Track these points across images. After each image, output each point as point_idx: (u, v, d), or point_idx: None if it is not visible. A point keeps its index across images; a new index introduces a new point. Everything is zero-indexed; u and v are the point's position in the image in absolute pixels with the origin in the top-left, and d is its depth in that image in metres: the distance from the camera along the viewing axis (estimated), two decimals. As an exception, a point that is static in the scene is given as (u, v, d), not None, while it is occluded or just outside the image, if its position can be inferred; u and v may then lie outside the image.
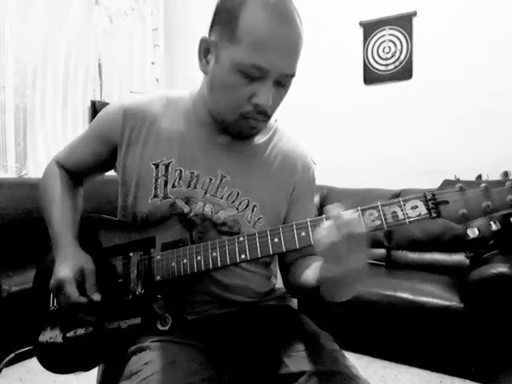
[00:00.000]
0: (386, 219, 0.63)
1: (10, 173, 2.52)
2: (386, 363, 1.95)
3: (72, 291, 0.75)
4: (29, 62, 2.65)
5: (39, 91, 2.70)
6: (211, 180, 0.80)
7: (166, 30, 3.48)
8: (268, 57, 0.67)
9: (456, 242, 2.24)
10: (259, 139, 0.84)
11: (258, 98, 0.70)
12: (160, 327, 0.73)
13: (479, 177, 0.62)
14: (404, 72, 2.71)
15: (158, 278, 0.75)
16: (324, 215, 0.66)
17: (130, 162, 0.81)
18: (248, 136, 0.79)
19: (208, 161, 0.80)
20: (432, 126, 2.63)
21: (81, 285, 0.77)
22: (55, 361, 0.82)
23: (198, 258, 0.72)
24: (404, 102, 2.72)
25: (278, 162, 0.85)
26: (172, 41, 3.47)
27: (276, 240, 0.68)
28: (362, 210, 0.64)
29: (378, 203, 0.64)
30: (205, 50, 0.74)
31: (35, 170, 2.66)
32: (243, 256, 0.69)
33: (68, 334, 0.80)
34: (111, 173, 0.93)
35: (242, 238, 0.70)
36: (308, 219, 0.67)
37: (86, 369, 0.81)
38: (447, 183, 0.63)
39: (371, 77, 2.81)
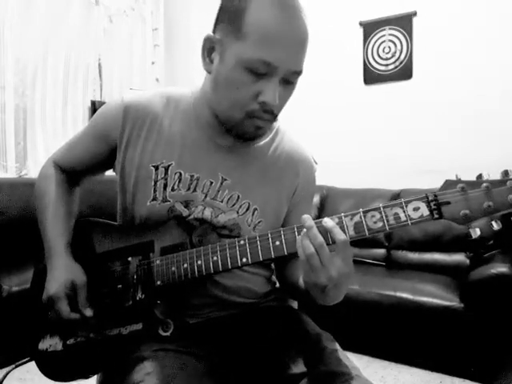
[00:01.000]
0: (388, 221, 0.63)
1: (10, 173, 2.52)
2: (385, 363, 1.95)
3: (63, 308, 0.74)
4: (29, 61, 2.65)
5: (39, 91, 2.69)
6: (212, 183, 0.78)
7: (166, 30, 3.48)
8: (276, 52, 0.65)
9: (456, 242, 2.23)
10: (261, 140, 0.83)
11: (264, 95, 0.67)
12: (162, 333, 0.72)
13: (480, 176, 0.62)
14: (404, 72, 2.71)
15: (159, 282, 0.74)
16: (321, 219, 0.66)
17: (129, 163, 0.80)
18: (253, 137, 0.76)
19: (208, 163, 0.79)
20: (432, 126, 2.63)
21: (73, 299, 0.76)
22: (55, 368, 0.81)
23: (199, 262, 0.71)
24: (404, 102, 2.72)
25: (280, 164, 0.84)
26: (172, 41, 3.47)
27: (277, 243, 0.67)
28: (363, 212, 0.64)
29: (380, 205, 0.64)
30: (209, 48, 0.72)
31: (35, 170, 2.65)
32: (244, 260, 0.69)
33: (68, 342, 0.78)
34: (111, 172, 0.92)
35: (242, 242, 0.69)
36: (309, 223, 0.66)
37: (87, 376, 0.80)
38: (449, 183, 0.63)
39: (371, 77, 2.81)
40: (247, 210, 0.80)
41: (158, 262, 0.75)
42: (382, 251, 2.47)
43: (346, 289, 0.67)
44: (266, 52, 0.65)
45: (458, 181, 0.62)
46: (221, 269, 0.70)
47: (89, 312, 0.75)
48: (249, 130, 0.73)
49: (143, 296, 0.75)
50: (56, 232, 0.82)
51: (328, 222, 0.63)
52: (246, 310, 0.84)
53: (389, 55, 2.74)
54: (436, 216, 0.62)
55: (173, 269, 0.73)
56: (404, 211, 0.62)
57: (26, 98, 2.66)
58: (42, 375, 0.81)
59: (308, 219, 0.63)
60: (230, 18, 0.68)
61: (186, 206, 0.78)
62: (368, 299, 1.96)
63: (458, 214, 0.61)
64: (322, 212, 2.70)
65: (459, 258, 2.23)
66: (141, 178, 0.79)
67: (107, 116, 0.82)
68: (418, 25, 2.65)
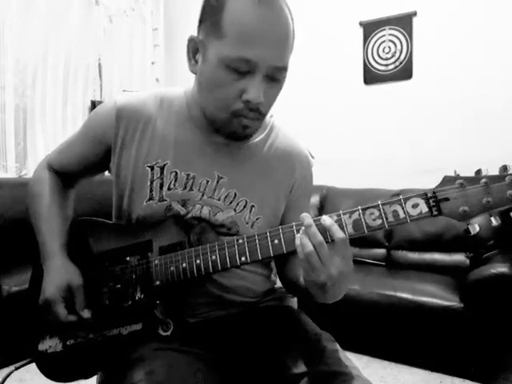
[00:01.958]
0: (387, 218, 0.62)
1: (10, 173, 2.52)
2: (385, 363, 1.95)
3: (60, 311, 0.74)
4: (29, 62, 2.65)
5: (39, 91, 2.69)
6: (208, 182, 0.78)
7: (166, 30, 3.48)
8: (255, 49, 0.64)
9: (456, 242, 2.23)
10: (255, 137, 0.82)
11: (247, 94, 0.67)
12: (162, 333, 0.72)
13: (478, 171, 0.61)
14: (404, 72, 2.70)
15: (158, 282, 0.74)
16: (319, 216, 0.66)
17: (124, 164, 0.79)
18: (242, 136, 0.75)
19: (204, 162, 0.79)
20: (432, 126, 2.63)
21: (69, 301, 0.76)
22: (55, 369, 0.81)
23: (198, 261, 0.71)
24: (404, 102, 2.72)
25: (276, 161, 0.83)
26: (172, 41, 3.47)
27: (276, 241, 0.67)
28: (362, 209, 0.64)
29: (379, 202, 0.63)
30: (193, 49, 0.72)
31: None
32: (243, 258, 0.68)
33: (68, 342, 0.78)
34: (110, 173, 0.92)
35: (241, 241, 0.69)
36: (307, 221, 0.65)
37: (87, 376, 0.80)
38: (447, 180, 0.63)
39: (371, 77, 2.81)
40: (244, 207, 0.80)
41: (156, 261, 0.75)
42: (382, 251, 2.47)
43: (346, 287, 0.67)
44: (244, 49, 0.64)
45: (457, 177, 0.62)
46: (220, 268, 0.70)
47: (86, 314, 0.75)
48: (236, 130, 0.72)
49: (142, 296, 0.75)
50: (51, 235, 0.82)
51: (326, 219, 0.63)
52: (245, 309, 0.84)
53: (389, 55, 2.74)
54: (435, 213, 0.62)
55: (171, 268, 0.73)
56: (403, 208, 0.62)
57: (26, 98, 2.66)
58: (42, 375, 0.81)
59: (307, 217, 0.62)
60: (210, 17, 0.68)
61: (183, 205, 0.78)
62: (368, 299, 1.96)
63: (457, 210, 0.61)
64: (321, 212, 2.70)
65: (459, 257, 2.23)
66: (137, 179, 0.79)
67: (100, 119, 0.82)
68: (417, 25, 2.65)
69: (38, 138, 2.70)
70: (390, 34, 2.73)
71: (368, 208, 0.63)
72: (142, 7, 3.36)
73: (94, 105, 2.99)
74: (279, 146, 0.84)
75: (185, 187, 0.78)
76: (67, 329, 0.77)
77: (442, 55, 2.59)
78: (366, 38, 2.81)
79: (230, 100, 0.68)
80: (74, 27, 2.87)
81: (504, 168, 0.60)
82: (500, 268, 1.75)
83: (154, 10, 3.43)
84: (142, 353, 0.71)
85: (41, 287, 0.80)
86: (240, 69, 0.66)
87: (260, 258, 0.68)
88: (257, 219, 0.81)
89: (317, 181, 0.91)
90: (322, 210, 2.71)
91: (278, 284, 0.93)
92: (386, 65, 2.76)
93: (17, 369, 0.91)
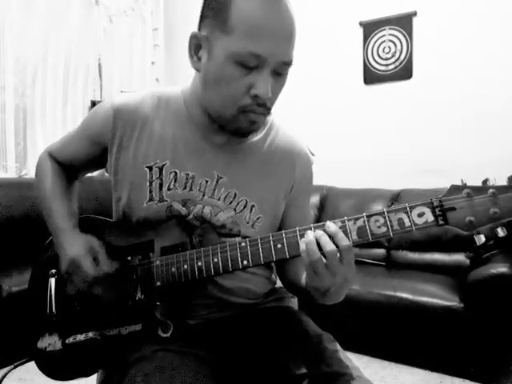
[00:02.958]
0: (392, 226, 0.62)
1: (10, 173, 2.52)
2: (385, 363, 1.95)
3: (89, 266, 0.74)
4: (29, 62, 2.65)
5: (39, 91, 2.69)
6: (207, 182, 0.78)
7: (166, 30, 3.48)
8: (265, 43, 0.64)
9: (456, 242, 2.23)
10: (255, 136, 0.81)
11: (256, 88, 0.66)
12: (162, 334, 0.72)
13: (485, 181, 0.60)
14: (404, 72, 2.70)
15: (159, 283, 0.74)
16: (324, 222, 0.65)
17: (122, 165, 0.79)
18: (248, 132, 0.74)
19: (203, 162, 0.78)
20: (432, 126, 2.63)
21: (95, 259, 0.76)
22: (55, 367, 0.80)
23: (199, 263, 0.71)
24: (404, 102, 2.72)
25: (275, 159, 0.82)
26: (172, 41, 3.47)
27: (279, 246, 0.66)
28: (367, 216, 0.63)
29: (384, 209, 0.62)
30: (196, 46, 0.71)
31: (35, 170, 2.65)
32: (245, 262, 0.68)
33: (67, 341, 0.78)
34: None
35: (243, 244, 0.68)
36: (312, 225, 0.65)
37: (87, 375, 0.80)
38: (454, 188, 0.61)
39: (371, 77, 2.81)
40: (244, 207, 0.79)
41: (157, 262, 0.74)
42: (381, 251, 2.47)
43: (347, 290, 0.67)
44: (254, 44, 0.64)
45: (464, 186, 0.61)
46: (221, 271, 0.69)
47: (113, 267, 0.76)
48: (243, 126, 0.71)
49: (143, 296, 0.74)
50: (64, 213, 0.83)
51: (331, 226, 0.62)
52: (246, 310, 0.83)
53: (389, 55, 2.74)
54: (441, 222, 0.61)
55: (173, 270, 0.72)
56: (408, 216, 0.61)
57: (26, 98, 2.66)
58: (42, 375, 0.81)
59: (311, 233, 0.63)
60: (215, 12, 0.67)
61: (184, 205, 0.77)
62: (368, 299, 1.96)
63: (463, 220, 0.60)
64: (321, 212, 2.70)
65: (459, 257, 2.23)
66: (135, 180, 0.78)
67: (97, 119, 0.81)
68: (417, 25, 2.65)
69: (38, 138, 2.69)
70: (390, 34, 2.73)
71: (373, 215, 0.62)
72: (142, 7, 3.36)
73: (93, 105, 2.98)
74: (279, 144, 0.84)
75: (185, 187, 0.77)
76: (92, 293, 0.76)
77: (442, 55, 2.59)
78: (366, 38, 2.81)
79: (237, 95, 0.67)
80: (74, 27, 2.87)
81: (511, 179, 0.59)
82: (500, 268, 1.75)
83: (154, 10, 3.43)
84: (141, 353, 0.71)
85: (41, 287, 0.80)
86: (248, 64, 0.65)
87: (262, 262, 0.67)
88: (257, 219, 0.80)
89: (317, 181, 0.90)
90: (321, 209, 2.71)
91: (278, 284, 0.92)
92: (386, 65, 2.76)
93: (16, 366, 0.91)
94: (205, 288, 0.78)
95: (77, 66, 2.92)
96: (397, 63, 2.73)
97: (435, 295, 1.86)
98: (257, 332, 0.80)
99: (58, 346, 0.79)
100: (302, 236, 0.64)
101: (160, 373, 0.66)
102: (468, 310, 1.76)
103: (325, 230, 0.62)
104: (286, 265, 0.85)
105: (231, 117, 0.70)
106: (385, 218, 0.62)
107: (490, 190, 0.59)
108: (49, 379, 0.81)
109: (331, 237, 0.61)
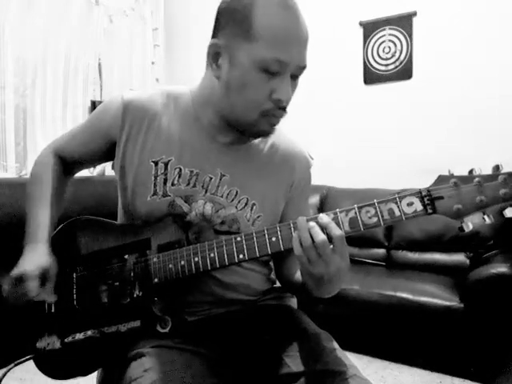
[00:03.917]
0: (382, 216, 0.64)
1: (10, 173, 2.52)
2: (385, 363, 1.95)
3: (32, 288, 0.75)
4: (29, 62, 2.64)
5: (39, 91, 2.69)
6: (211, 179, 0.80)
7: (166, 30, 3.48)
8: (288, 50, 0.67)
9: (456, 242, 2.23)
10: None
11: (278, 93, 0.69)
12: (160, 330, 0.73)
13: (471, 171, 0.63)
14: (404, 72, 2.71)
15: (156, 280, 0.75)
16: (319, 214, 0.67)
17: (129, 159, 0.81)
18: (267, 134, 0.78)
19: (207, 160, 0.80)
20: (432, 126, 2.63)
21: (42, 283, 0.77)
22: (54, 367, 0.81)
23: (196, 259, 0.72)
24: (404, 102, 2.72)
25: (276, 160, 0.85)
26: (172, 41, 3.47)
27: (274, 239, 0.68)
28: (358, 208, 0.66)
29: (375, 200, 0.65)
30: (214, 54, 0.72)
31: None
32: (241, 256, 0.69)
33: (66, 340, 0.79)
34: (112, 173, 0.92)
35: (239, 238, 0.70)
36: (305, 217, 0.67)
37: (86, 373, 0.80)
38: (442, 179, 0.64)
39: (371, 77, 2.81)
40: (246, 205, 0.81)
41: (155, 259, 0.75)
42: (381, 251, 2.47)
43: (342, 283, 0.69)
44: (279, 51, 0.67)
45: (451, 176, 0.64)
46: (218, 265, 0.71)
47: (52, 298, 0.78)
48: (264, 129, 0.75)
49: (141, 293, 0.75)
50: (44, 221, 0.83)
51: (323, 217, 0.65)
52: (244, 307, 0.84)
53: (389, 55, 2.74)
54: (430, 211, 0.63)
55: (170, 266, 0.74)
56: (398, 206, 0.64)
57: (26, 98, 2.66)
58: (42, 375, 0.81)
59: (302, 220, 0.65)
60: (235, 21, 0.69)
61: (186, 201, 0.79)
62: (368, 299, 1.96)
63: (450, 208, 0.62)
64: (321, 212, 2.69)
65: (459, 257, 2.23)
66: (141, 174, 0.80)
67: (107, 113, 0.83)
68: (418, 25, 2.65)
69: (38, 138, 2.69)
70: (390, 34, 2.73)
71: (364, 206, 0.65)
72: (142, 7, 3.36)
73: (94, 105, 2.98)
74: (280, 147, 0.86)
75: (188, 183, 0.79)
76: (28, 307, 0.80)
77: (442, 55, 2.59)
78: (366, 38, 2.81)
79: (260, 100, 0.70)
80: (74, 27, 2.87)
81: (496, 167, 0.62)
82: (500, 268, 1.75)
83: (154, 10, 3.43)
84: (140, 350, 0.72)
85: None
86: (271, 69, 0.68)
87: (258, 255, 0.69)
88: (258, 217, 0.82)
89: (317, 181, 0.92)
90: (321, 209, 2.71)
91: (278, 284, 0.93)
92: (386, 65, 2.76)
93: (16, 365, 0.92)
94: (203, 284, 0.79)
95: (77, 66, 2.92)
96: (397, 63, 2.73)
97: (435, 295, 1.86)
98: (255, 329, 0.81)
99: (57, 345, 0.79)
100: (295, 229, 0.67)
101: (158, 369, 0.66)
102: (468, 310, 1.76)
103: (317, 222, 0.65)
104: (283, 265, 0.87)
105: (253, 121, 0.73)
106: (375, 208, 0.65)
107: (476, 179, 0.62)
108: (49, 379, 0.82)
109: (324, 228, 0.64)
